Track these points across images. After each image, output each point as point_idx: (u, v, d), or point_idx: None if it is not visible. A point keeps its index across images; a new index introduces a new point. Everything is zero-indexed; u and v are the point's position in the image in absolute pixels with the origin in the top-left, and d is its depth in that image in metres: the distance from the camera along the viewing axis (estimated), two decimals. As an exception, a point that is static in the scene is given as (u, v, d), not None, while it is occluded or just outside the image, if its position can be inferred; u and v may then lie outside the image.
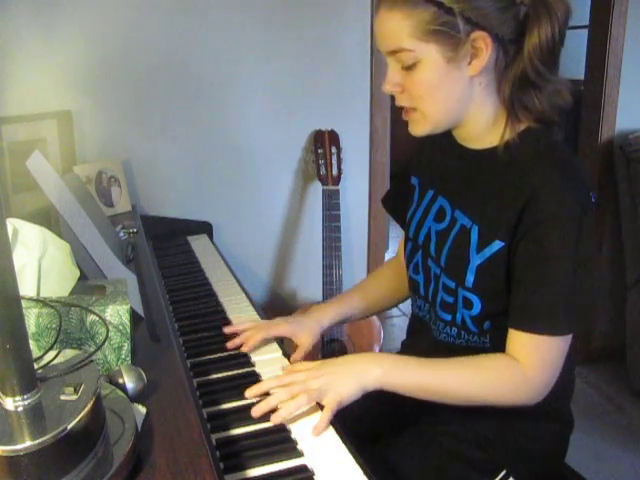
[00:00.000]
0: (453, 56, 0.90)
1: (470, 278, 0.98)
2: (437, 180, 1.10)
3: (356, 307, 1.26)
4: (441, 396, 0.97)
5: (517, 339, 0.94)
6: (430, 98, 0.94)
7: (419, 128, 0.99)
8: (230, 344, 1.14)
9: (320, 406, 0.94)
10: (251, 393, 0.96)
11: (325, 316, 1.20)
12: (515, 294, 0.94)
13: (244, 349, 1.13)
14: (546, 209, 0.90)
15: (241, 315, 1.30)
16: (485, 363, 0.96)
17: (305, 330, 1.16)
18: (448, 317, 1.04)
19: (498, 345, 1.00)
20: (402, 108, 1.00)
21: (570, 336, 0.94)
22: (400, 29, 0.90)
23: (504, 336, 0.98)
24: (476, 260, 0.98)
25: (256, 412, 0.91)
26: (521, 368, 0.93)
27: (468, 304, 1.00)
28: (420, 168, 1.16)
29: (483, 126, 0.99)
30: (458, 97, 0.95)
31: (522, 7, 0.91)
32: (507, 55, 0.93)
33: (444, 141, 1.07)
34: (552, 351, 0.93)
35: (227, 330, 1.18)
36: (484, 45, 0.90)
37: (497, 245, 0.95)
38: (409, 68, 0.93)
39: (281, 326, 1.16)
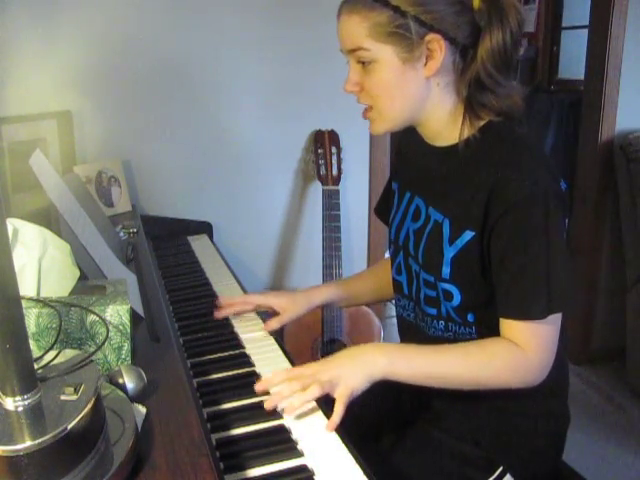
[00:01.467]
0: (408, 57, 0.95)
1: (446, 270, 1.01)
2: (412, 182, 1.13)
3: (348, 294, 1.31)
4: (445, 382, 0.98)
5: (509, 327, 0.96)
6: (386, 97, 0.99)
7: (377, 126, 1.04)
8: (217, 314, 1.25)
9: (319, 406, 0.94)
10: (260, 387, 0.96)
11: (317, 295, 1.27)
12: (498, 284, 0.97)
13: (227, 311, 1.25)
14: (510, 198, 0.92)
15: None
16: (487, 347, 0.98)
17: (290, 302, 1.23)
18: (434, 311, 1.06)
19: (484, 336, 1.02)
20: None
21: (559, 314, 0.96)
22: (358, 30, 0.95)
23: (489, 326, 1.00)
24: (449, 252, 1.00)
25: (269, 404, 0.92)
26: (521, 350, 0.95)
27: (448, 296, 1.02)
28: (398, 173, 1.20)
29: (443, 124, 1.02)
30: (414, 96, 0.99)
31: (478, 13, 0.94)
32: (464, 58, 0.97)
33: (415, 143, 1.10)
34: (545, 332, 0.96)
35: (217, 314, 1.26)
36: (438, 47, 0.94)
37: (468, 235, 0.98)
38: (367, 66, 0.97)
39: (266, 297, 1.26)
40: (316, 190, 2.23)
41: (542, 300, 0.93)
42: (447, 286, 1.02)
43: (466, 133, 1.00)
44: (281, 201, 2.24)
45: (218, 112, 2.07)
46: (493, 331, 0.99)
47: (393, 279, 1.18)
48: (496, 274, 0.97)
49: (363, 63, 0.97)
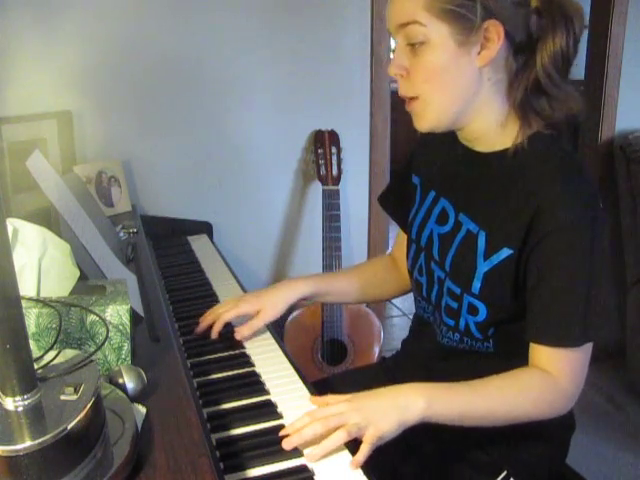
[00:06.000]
0: (464, 40, 0.88)
1: (477, 284, 0.97)
2: (439, 181, 1.08)
3: (333, 289, 1.23)
4: (485, 420, 0.94)
5: (542, 353, 0.93)
6: (436, 82, 0.92)
7: (423, 121, 0.96)
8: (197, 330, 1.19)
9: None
10: (286, 433, 0.87)
11: (294, 291, 1.18)
12: (531, 307, 0.93)
13: (197, 330, 1.18)
14: (558, 219, 0.89)
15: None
16: (522, 381, 0.94)
17: (266, 305, 1.16)
18: (451, 322, 1.03)
19: (501, 349, 1.00)
20: (404, 102, 0.96)
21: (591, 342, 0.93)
22: (415, 2, 0.88)
23: (507, 341, 0.98)
24: (483, 267, 0.97)
25: (287, 445, 0.84)
26: (554, 380, 0.93)
27: (473, 310, 0.99)
28: (421, 167, 1.15)
29: (491, 127, 0.97)
30: (465, 86, 0.92)
31: (534, 12, 0.90)
32: (517, 59, 0.93)
33: (446, 140, 1.05)
34: (578, 359, 0.93)
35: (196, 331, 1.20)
36: (496, 35, 0.89)
37: (505, 252, 0.94)
38: (417, 47, 0.90)
39: (238, 307, 1.16)
40: (316, 190, 2.23)
41: (580, 327, 0.90)
42: (474, 301, 0.98)
43: (518, 139, 0.95)
44: (281, 201, 2.24)
45: (218, 112, 2.07)
46: (511, 345, 0.97)
47: (414, 279, 1.14)
48: (531, 296, 0.93)
49: (413, 45, 0.90)
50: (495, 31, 0.89)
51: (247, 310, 1.17)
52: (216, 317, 1.17)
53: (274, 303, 1.16)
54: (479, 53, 0.90)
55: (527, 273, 0.93)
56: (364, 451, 0.83)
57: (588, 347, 0.93)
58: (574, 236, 0.89)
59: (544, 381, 0.93)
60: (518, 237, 0.92)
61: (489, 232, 0.97)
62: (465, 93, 0.93)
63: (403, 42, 0.92)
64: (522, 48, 0.92)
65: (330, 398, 0.93)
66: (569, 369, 0.93)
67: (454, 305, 1.02)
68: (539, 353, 0.93)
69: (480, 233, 0.98)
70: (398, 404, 0.87)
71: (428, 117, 0.95)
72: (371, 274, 1.28)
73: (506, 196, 0.95)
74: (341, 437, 0.84)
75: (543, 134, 0.95)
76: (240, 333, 1.15)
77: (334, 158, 2.14)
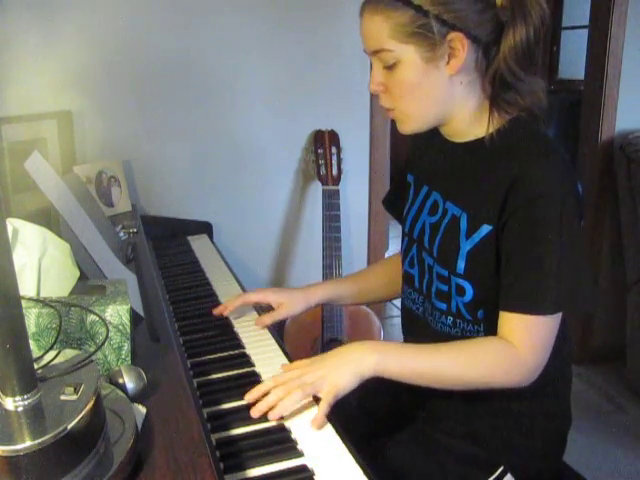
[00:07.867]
0: (431, 56, 0.94)
1: (461, 264, 1.00)
2: (430, 176, 1.12)
3: (348, 292, 1.30)
4: (436, 380, 0.98)
5: (507, 321, 0.96)
6: (410, 97, 0.99)
7: (406, 126, 1.04)
8: (215, 310, 1.26)
9: (317, 401, 0.94)
10: (250, 396, 0.96)
11: (315, 294, 1.26)
12: (504, 276, 0.96)
13: (224, 312, 1.25)
14: (529, 191, 0.92)
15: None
16: (479, 346, 0.98)
17: (288, 300, 1.23)
18: (444, 306, 1.06)
19: (492, 334, 1.01)
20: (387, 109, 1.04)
21: (559, 315, 0.95)
22: (381, 31, 0.95)
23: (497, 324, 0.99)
24: (466, 246, 1.00)
25: (255, 413, 0.92)
26: (514, 349, 0.94)
27: (461, 291, 1.02)
28: (415, 165, 1.19)
29: (467, 122, 1.02)
30: (438, 96, 0.99)
31: (501, 10, 0.94)
32: (488, 56, 0.97)
33: (434, 138, 1.10)
34: (542, 330, 0.95)
35: (215, 311, 1.27)
36: (460, 46, 0.94)
37: (485, 229, 0.98)
38: (390, 68, 0.97)
39: (265, 294, 1.26)
40: (316, 190, 2.23)
41: (544, 297, 0.92)
42: (460, 281, 1.01)
43: (492, 128, 0.99)
44: (281, 201, 2.24)
45: (218, 112, 2.07)
46: None
47: (405, 272, 1.17)
48: (504, 266, 0.96)
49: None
50: (459, 42, 0.93)
51: (273, 299, 1.24)
52: (228, 302, 1.26)
53: (296, 302, 1.24)
54: (448, 63, 0.95)
55: (503, 245, 0.96)
56: (322, 408, 0.91)
57: (554, 319, 0.94)
58: (542, 208, 0.92)
59: (502, 349, 0.95)
60: (495, 212, 0.96)
61: (470, 212, 1.00)
62: (439, 101, 1.00)
63: (378, 64, 0.99)
64: (491, 45, 0.96)
65: (297, 363, 1.02)
66: (530, 339, 0.95)
67: (444, 288, 1.05)
68: (504, 322, 0.96)
69: (462, 215, 1.01)
70: (351, 359, 0.96)
71: (409, 124, 1.03)
72: (390, 271, 1.32)
73: (486, 178, 0.99)
74: (297, 396, 0.92)
75: (522, 118, 0.99)
76: (261, 320, 1.23)
77: (334, 158, 2.14)
